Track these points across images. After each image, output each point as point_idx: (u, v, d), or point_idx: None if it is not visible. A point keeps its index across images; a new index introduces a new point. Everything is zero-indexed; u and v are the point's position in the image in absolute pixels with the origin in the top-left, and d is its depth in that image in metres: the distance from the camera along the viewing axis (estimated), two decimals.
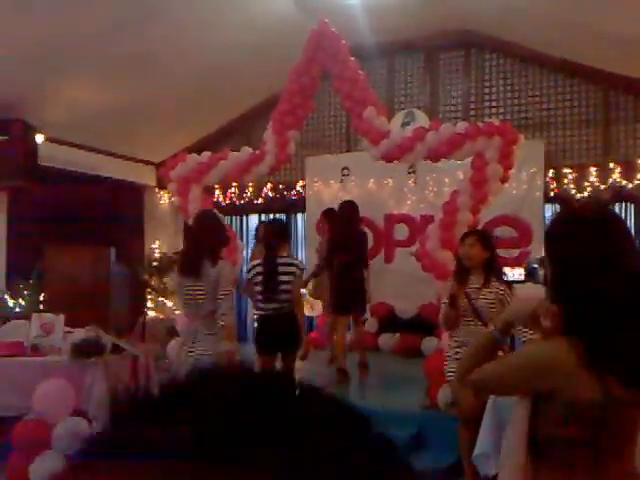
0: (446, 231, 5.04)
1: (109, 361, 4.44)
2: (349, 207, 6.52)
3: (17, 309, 6.49)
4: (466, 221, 4.98)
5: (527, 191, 7.70)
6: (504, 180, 5.04)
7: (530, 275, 1.83)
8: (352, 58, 5.57)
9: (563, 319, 1.59)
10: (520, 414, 1.63)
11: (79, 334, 4.36)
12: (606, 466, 1.60)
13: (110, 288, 6.32)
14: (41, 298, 6.60)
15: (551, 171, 7.78)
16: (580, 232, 1.64)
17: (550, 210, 8.07)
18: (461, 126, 5.12)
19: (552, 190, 7.79)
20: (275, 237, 4.80)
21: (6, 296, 6.60)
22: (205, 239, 3.94)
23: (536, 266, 1.80)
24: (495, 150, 4.89)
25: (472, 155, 5.11)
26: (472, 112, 8.30)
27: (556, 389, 1.57)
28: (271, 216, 10.16)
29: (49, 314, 4.63)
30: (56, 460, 4.12)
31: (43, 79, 6.95)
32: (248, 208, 9.77)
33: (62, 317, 4.58)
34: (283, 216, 10.12)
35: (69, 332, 4.61)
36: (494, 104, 8.25)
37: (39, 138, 7.35)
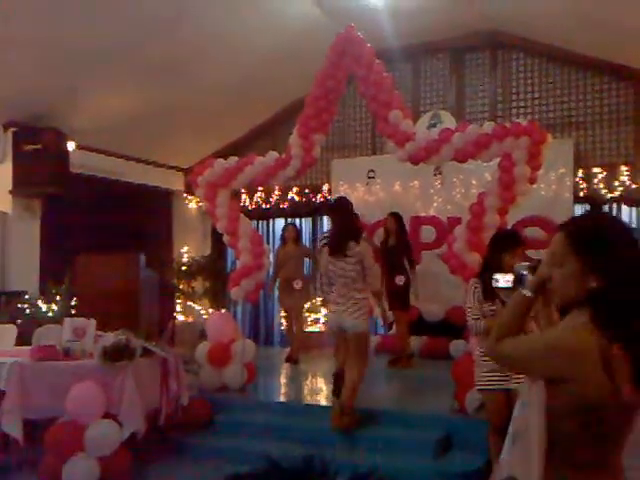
0: (474, 233, 4.99)
1: (139, 365, 4.51)
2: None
3: (50, 314, 6.63)
4: (494, 223, 4.92)
5: (556, 192, 7.59)
6: (532, 181, 4.97)
7: (519, 282, 1.79)
8: (377, 61, 5.55)
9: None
10: (538, 400, 1.61)
11: (110, 338, 4.43)
12: (606, 462, 1.59)
13: (140, 293, 6.40)
14: (72, 303, 6.73)
15: (580, 171, 7.66)
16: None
17: (580, 210, 7.94)
18: (488, 127, 5.06)
19: (582, 190, 7.67)
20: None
21: (39, 301, 6.75)
22: (349, 224, 4.84)
23: (525, 272, 1.77)
24: (523, 151, 4.82)
25: (499, 156, 5.05)
26: (499, 112, 8.22)
27: (568, 377, 1.55)
28: (297, 220, 10.27)
29: (81, 318, 4.72)
30: (88, 462, 4.20)
31: (74, 87, 7.10)
32: (274, 212, 9.82)
33: (93, 321, 4.66)
34: (309, 220, 10.20)
35: (100, 336, 4.68)
36: (521, 104, 8.16)
37: (70, 146, 7.50)
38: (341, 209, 4.97)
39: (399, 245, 7.08)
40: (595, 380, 1.51)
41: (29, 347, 5.15)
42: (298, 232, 8.09)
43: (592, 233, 1.63)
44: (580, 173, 7.65)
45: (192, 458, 4.95)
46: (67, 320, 4.77)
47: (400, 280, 6.90)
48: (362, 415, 5.00)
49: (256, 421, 5.32)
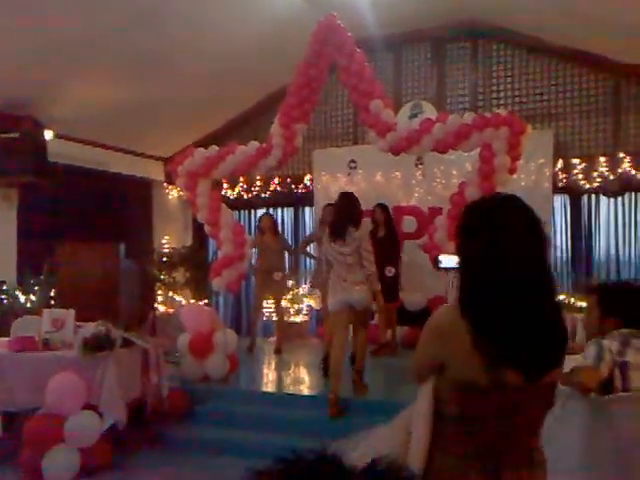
0: (454, 223, 5.01)
1: (120, 355, 4.48)
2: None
3: (28, 304, 6.55)
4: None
5: (536, 182, 7.66)
6: (512, 171, 5.01)
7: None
8: (358, 50, 5.54)
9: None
10: (425, 390, 1.70)
11: (90, 329, 4.39)
12: (493, 448, 1.62)
13: (119, 283, 6.35)
14: (52, 294, 6.65)
15: (560, 161, 7.73)
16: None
17: (559, 201, 8.03)
18: (468, 117, 5.09)
19: (561, 181, 7.75)
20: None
21: (17, 292, 6.66)
22: (350, 211, 5.17)
23: None
24: (502, 141, 4.86)
25: (479, 146, 5.09)
26: (480, 103, 8.26)
27: (446, 360, 1.63)
28: (279, 210, 10.24)
29: (60, 309, 4.67)
30: (68, 453, 4.17)
31: (52, 76, 6.98)
32: (256, 202, 9.79)
33: (73, 312, 4.62)
34: (291, 210, 10.18)
35: (80, 327, 4.64)
36: (502, 95, 8.20)
37: (48, 134, 7.38)
38: (347, 197, 5.37)
39: (388, 236, 7.11)
40: (468, 358, 1.57)
41: (7, 338, 5.09)
42: (274, 222, 8.07)
43: None
44: (559, 164, 7.73)
45: (173, 449, 4.95)
46: (46, 311, 4.72)
47: (390, 271, 6.93)
48: (346, 406, 5.04)
49: (239, 411, 5.33)
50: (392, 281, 7.08)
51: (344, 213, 5.18)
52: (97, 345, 4.28)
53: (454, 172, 7.98)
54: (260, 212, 9.95)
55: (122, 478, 4.34)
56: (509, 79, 8.17)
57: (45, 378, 4.25)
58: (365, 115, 5.43)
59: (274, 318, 8.30)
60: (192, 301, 9.16)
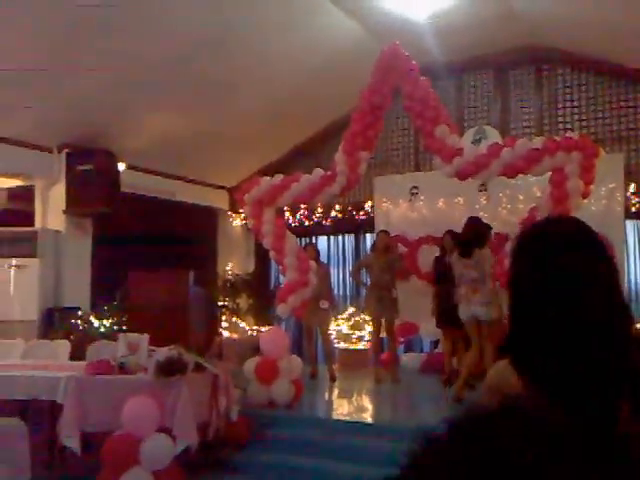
0: None
1: (191, 379, 4.57)
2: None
3: (101, 329, 6.79)
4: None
5: (607, 207, 7.42)
6: (585, 195, 4.89)
7: None
8: (423, 77, 5.58)
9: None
10: None
11: (163, 353, 4.50)
12: None
13: (189, 309, 6.51)
14: (124, 319, 6.87)
15: (632, 186, 7.48)
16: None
17: (632, 226, 7.75)
18: (538, 141, 5.01)
19: (634, 205, 7.49)
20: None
21: (91, 317, 6.92)
22: (477, 232, 5.73)
23: None
24: (575, 165, 4.75)
25: (550, 170, 4.99)
26: (546, 128, 8.12)
27: None
28: (340, 237, 10.30)
29: (135, 334, 4.81)
30: (143, 475, 4.25)
31: (123, 109, 7.33)
32: (317, 229, 9.87)
33: (147, 337, 4.75)
34: (352, 236, 10.21)
35: (153, 351, 4.76)
36: (568, 119, 8.05)
37: (121, 166, 7.72)
38: (474, 220, 5.96)
39: None
40: None
41: (83, 362, 5.28)
42: (318, 252, 8.01)
43: None
44: (632, 188, 7.48)
45: (240, 474, 4.97)
46: (122, 336, 4.87)
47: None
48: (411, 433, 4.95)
49: (304, 437, 5.31)
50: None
51: (471, 234, 5.75)
52: (171, 369, 4.38)
53: (520, 197, 7.83)
54: (322, 239, 10.05)
55: None
56: (575, 103, 8.02)
57: (120, 400, 4.36)
58: (430, 141, 5.44)
59: (336, 345, 8.30)
60: (265, 327, 9.23)
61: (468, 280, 5.64)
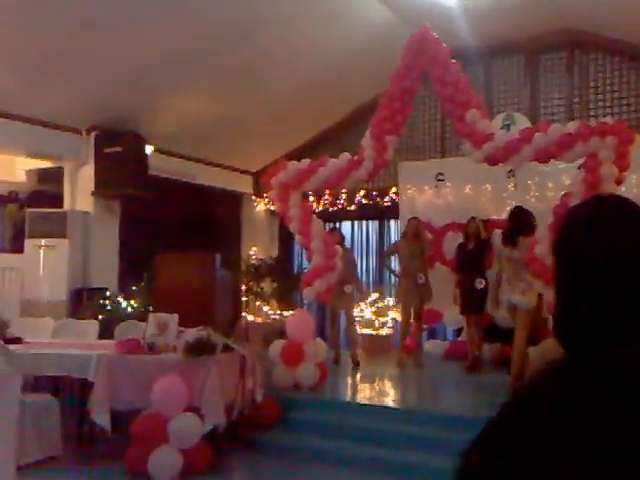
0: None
1: (220, 360, 4.61)
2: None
3: (129, 310, 6.88)
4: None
5: (638, 195, 7.29)
6: (619, 182, 4.81)
7: None
8: (453, 61, 5.50)
9: None
10: None
11: (192, 333, 4.55)
12: None
13: (216, 291, 6.56)
14: (151, 300, 6.95)
15: None
16: None
17: None
18: (571, 126, 4.93)
19: None
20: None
21: (119, 297, 7.01)
22: (521, 221, 5.80)
23: None
24: (609, 150, 4.67)
25: (583, 156, 4.91)
26: (576, 114, 7.98)
27: None
28: (364, 223, 10.27)
29: (164, 314, 4.86)
30: (172, 454, 4.32)
31: (152, 93, 7.36)
32: (341, 215, 9.85)
33: (176, 317, 4.80)
34: (376, 222, 10.18)
35: (181, 332, 4.82)
36: (599, 104, 7.89)
37: (148, 149, 7.76)
38: (520, 209, 6.07)
39: (478, 249, 6.97)
40: None
41: (112, 341, 5.36)
42: (343, 237, 7.97)
43: None
44: None
45: (265, 455, 5.01)
46: (152, 315, 4.93)
47: (480, 283, 6.80)
48: (441, 421, 4.98)
49: (328, 420, 5.34)
50: (482, 294, 6.93)
51: (516, 222, 5.85)
52: (200, 349, 4.43)
53: (549, 184, 7.72)
54: (346, 225, 10.04)
55: None
56: (607, 88, 7.86)
57: (150, 379, 4.42)
58: (460, 125, 5.38)
59: (358, 330, 8.30)
60: (289, 311, 9.27)
61: (511, 268, 5.73)
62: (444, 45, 5.55)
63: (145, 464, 4.29)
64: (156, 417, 4.34)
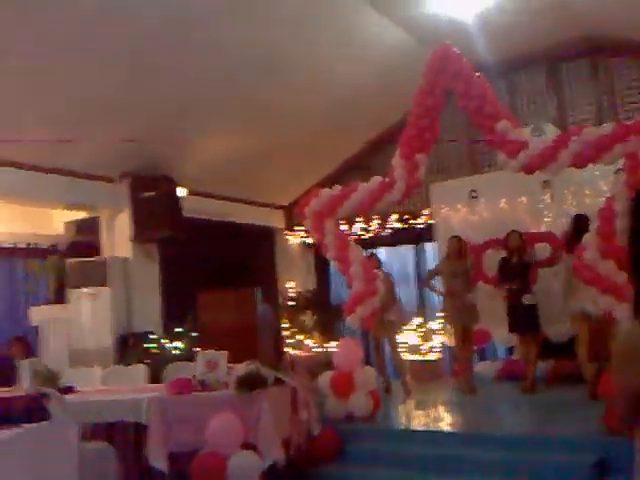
0: (606, 240, 4.73)
1: (272, 393, 4.55)
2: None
3: (175, 351, 6.88)
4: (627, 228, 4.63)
5: None
6: None
7: None
8: (478, 74, 5.50)
9: None
10: None
11: (242, 368, 4.51)
12: None
13: (258, 326, 6.54)
14: (196, 340, 6.95)
15: None
16: None
17: None
18: (607, 128, 4.84)
19: None
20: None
21: (164, 340, 7.02)
22: (583, 228, 5.80)
23: None
24: None
25: (622, 157, 4.81)
26: (606, 119, 7.86)
27: None
28: (399, 248, 10.18)
29: (213, 351, 4.83)
30: None
31: (181, 136, 7.50)
32: (375, 241, 9.79)
33: (225, 353, 4.77)
34: (411, 248, 10.08)
35: (231, 368, 4.78)
36: (628, 108, 7.77)
37: (181, 192, 7.87)
38: (579, 217, 6.24)
39: (522, 263, 6.83)
40: None
41: (161, 384, 5.35)
42: (380, 261, 7.87)
43: None
44: None
45: None
46: (200, 354, 4.91)
47: (527, 299, 6.62)
48: (501, 442, 4.81)
49: (387, 450, 5.19)
50: (532, 311, 6.74)
51: (579, 227, 5.93)
52: (252, 383, 4.38)
53: (587, 192, 7.57)
54: (380, 251, 9.96)
55: None
56: (635, 91, 7.75)
57: (204, 418, 4.37)
58: (492, 137, 5.33)
59: (407, 357, 8.15)
60: (332, 343, 9.18)
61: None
62: (465, 60, 5.55)
63: None
64: (214, 456, 4.27)
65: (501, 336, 7.79)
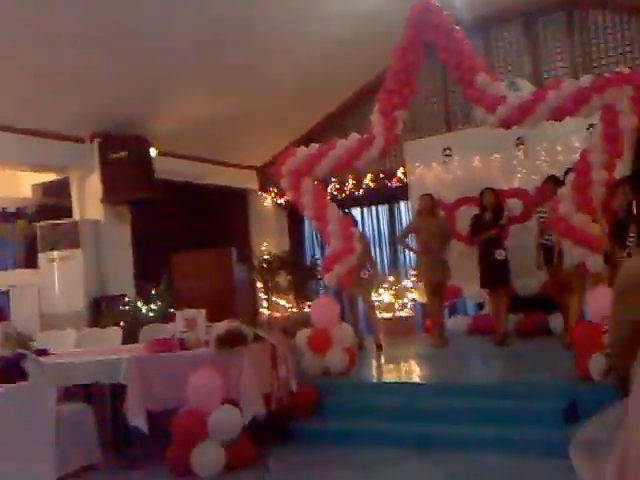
0: (581, 193, 4.77)
1: (252, 350, 4.53)
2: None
3: (150, 314, 6.80)
4: (601, 180, 4.69)
5: None
6: None
7: None
8: (457, 27, 5.41)
9: None
10: None
11: (222, 326, 4.47)
12: None
13: (235, 286, 6.49)
14: (171, 301, 6.87)
15: None
16: None
17: None
18: (586, 80, 4.83)
19: None
20: None
21: (138, 302, 6.93)
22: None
23: None
24: (626, 100, 4.57)
25: (599, 110, 4.81)
26: (581, 74, 7.86)
27: None
28: (373, 208, 10.17)
29: (191, 310, 4.78)
30: (214, 448, 4.24)
31: (154, 95, 7.28)
32: (350, 202, 9.74)
33: (204, 312, 4.73)
34: (385, 206, 10.07)
35: (209, 326, 4.75)
36: (603, 62, 7.78)
37: (152, 152, 7.68)
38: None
39: (496, 220, 6.87)
40: None
41: (138, 345, 5.29)
42: (355, 221, 7.86)
43: None
44: None
45: (306, 442, 4.94)
46: (179, 312, 4.86)
47: (500, 254, 6.70)
48: (471, 391, 4.91)
49: (362, 402, 5.26)
50: (504, 265, 6.83)
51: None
52: (232, 340, 4.35)
53: (559, 148, 7.62)
54: (355, 211, 9.93)
55: (262, 471, 4.36)
56: (611, 45, 7.75)
57: (183, 376, 4.35)
58: (470, 92, 5.28)
59: (380, 315, 8.22)
60: (306, 304, 9.20)
61: None
62: (446, 13, 5.45)
63: (188, 462, 4.22)
64: (194, 413, 4.26)
65: (471, 292, 7.91)
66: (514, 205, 7.90)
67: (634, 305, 1.37)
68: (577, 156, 5.45)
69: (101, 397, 5.11)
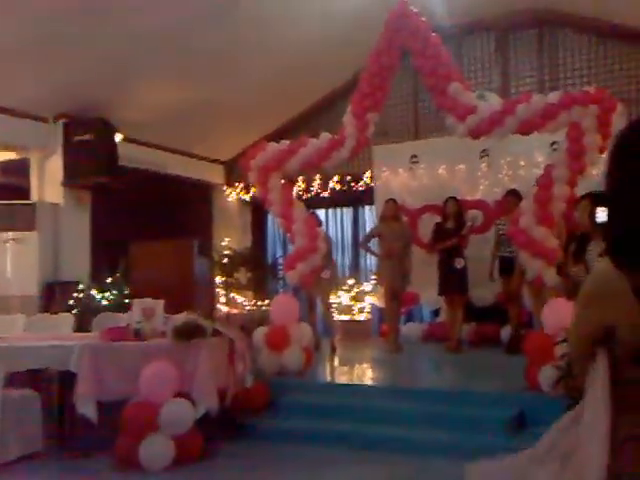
0: (542, 206, 4.87)
1: (210, 344, 4.47)
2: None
3: (104, 303, 6.64)
4: (563, 195, 4.80)
5: None
6: (603, 150, 4.83)
7: None
8: (433, 34, 5.47)
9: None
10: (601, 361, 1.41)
11: (180, 318, 4.40)
12: None
13: (195, 278, 6.39)
14: (127, 291, 6.73)
15: None
16: None
17: None
18: (554, 96, 4.94)
19: None
20: None
21: (93, 290, 6.76)
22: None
23: None
24: (592, 119, 4.70)
25: (566, 126, 4.93)
26: (546, 91, 8.05)
27: (614, 325, 1.36)
28: (338, 210, 10.18)
29: (149, 299, 4.68)
30: (163, 441, 4.16)
31: (122, 79, 7.12)
32: (314, 203, 9.72)
33: (162, 302, 4.64)
34: (350, 209, 10.10)
35: (167, 317, 4.66)
36: (569, 82, 7.99)
37: (117, 137, 7.51)
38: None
39: (457, 229, 6.97)
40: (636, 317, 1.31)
41: (90, 333, 5.16)
42: (320, 221, 7.87)
43: None
44: None
45: (257, 439, 4.89)
46: (136, 301, 4.74)
47: (460, 263, 6.80)
48: (422, 396, 4.96)
49: (313, 402, 5.25)
50: (462, 273, 6.94)
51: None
52: (190, 332, 4.28)
53: (522, 163, 7.79)
54: (319, 212, 9.92)
55: (211, 467, 4.30)
56: (577, 65, 7.97)
57: (138, 367, 4.24)
58: (442, 99, 5.34)
59: (338, 317, 8.23)
60: (265, 302, 9.13)
61: None
62: (423, 19, 5.50)
63: (136, 454, 4.12)
64: (146, 404, 4.16)
65: (429, 299, 8.01)
66: (478, 216, 8.04)
67: (604, 307, 1.39)
68: (539, 171, 5.61)
69: (48, 385, 4.95)
